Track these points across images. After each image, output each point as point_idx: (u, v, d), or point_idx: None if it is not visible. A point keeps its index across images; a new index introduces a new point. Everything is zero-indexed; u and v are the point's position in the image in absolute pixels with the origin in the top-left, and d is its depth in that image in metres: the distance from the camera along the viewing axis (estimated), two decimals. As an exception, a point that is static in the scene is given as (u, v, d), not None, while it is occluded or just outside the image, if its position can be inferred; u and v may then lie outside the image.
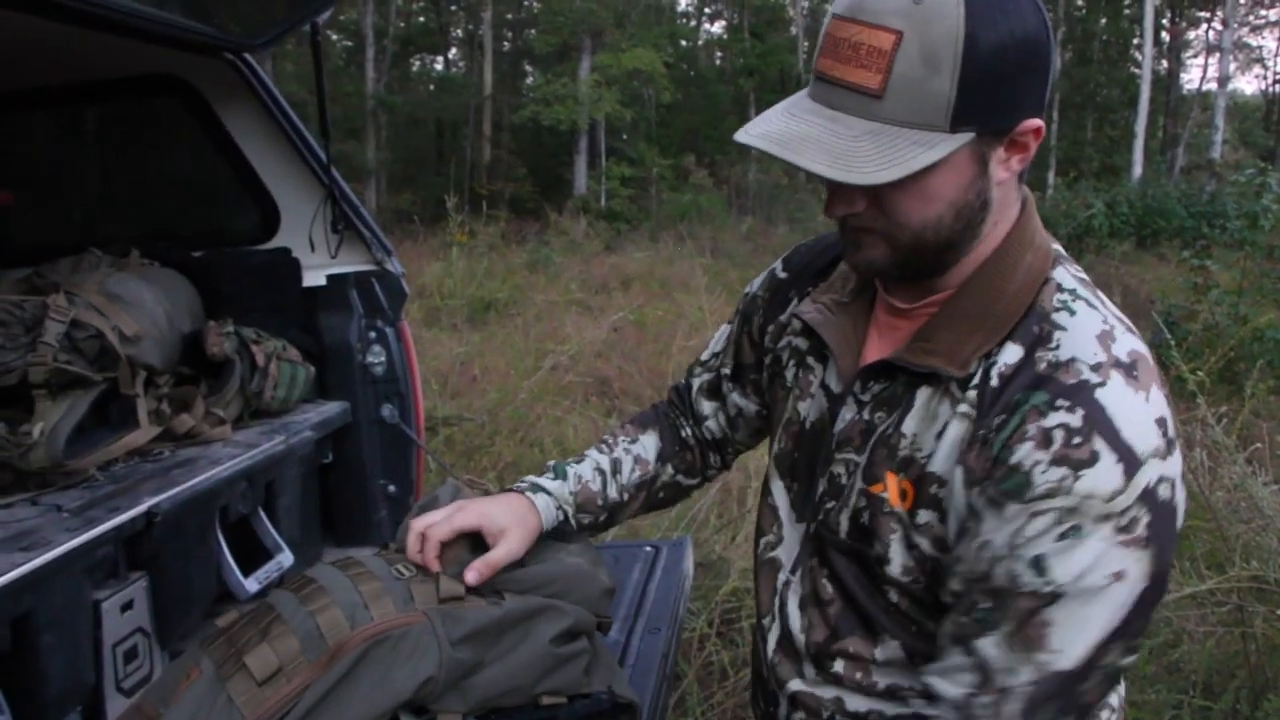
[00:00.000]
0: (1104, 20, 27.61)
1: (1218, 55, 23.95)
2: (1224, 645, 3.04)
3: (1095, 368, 0.93)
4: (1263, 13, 32.83)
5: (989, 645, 0.96)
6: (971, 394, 0.99)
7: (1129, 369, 0.94)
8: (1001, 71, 0.91)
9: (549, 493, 1.36)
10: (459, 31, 31.00)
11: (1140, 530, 0.91)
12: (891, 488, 1.04)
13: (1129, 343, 0.96)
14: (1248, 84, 59.28)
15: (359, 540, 2.70)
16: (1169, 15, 29.64)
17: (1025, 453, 0.92)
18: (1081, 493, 0.90)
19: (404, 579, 1.28)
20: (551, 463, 1.42)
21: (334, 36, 28.39)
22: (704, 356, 1.47)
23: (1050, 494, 0.91)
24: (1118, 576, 0.91)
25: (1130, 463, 0.90)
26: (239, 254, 2.77)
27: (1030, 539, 0.92)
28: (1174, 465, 0.93)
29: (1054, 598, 0.92)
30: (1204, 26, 32.01)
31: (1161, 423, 0.93)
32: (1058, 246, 1.07)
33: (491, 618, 1.27)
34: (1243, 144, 27.41)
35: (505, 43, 30.54)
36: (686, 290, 10.27)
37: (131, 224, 2.93)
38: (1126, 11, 27.28)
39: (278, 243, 2.79)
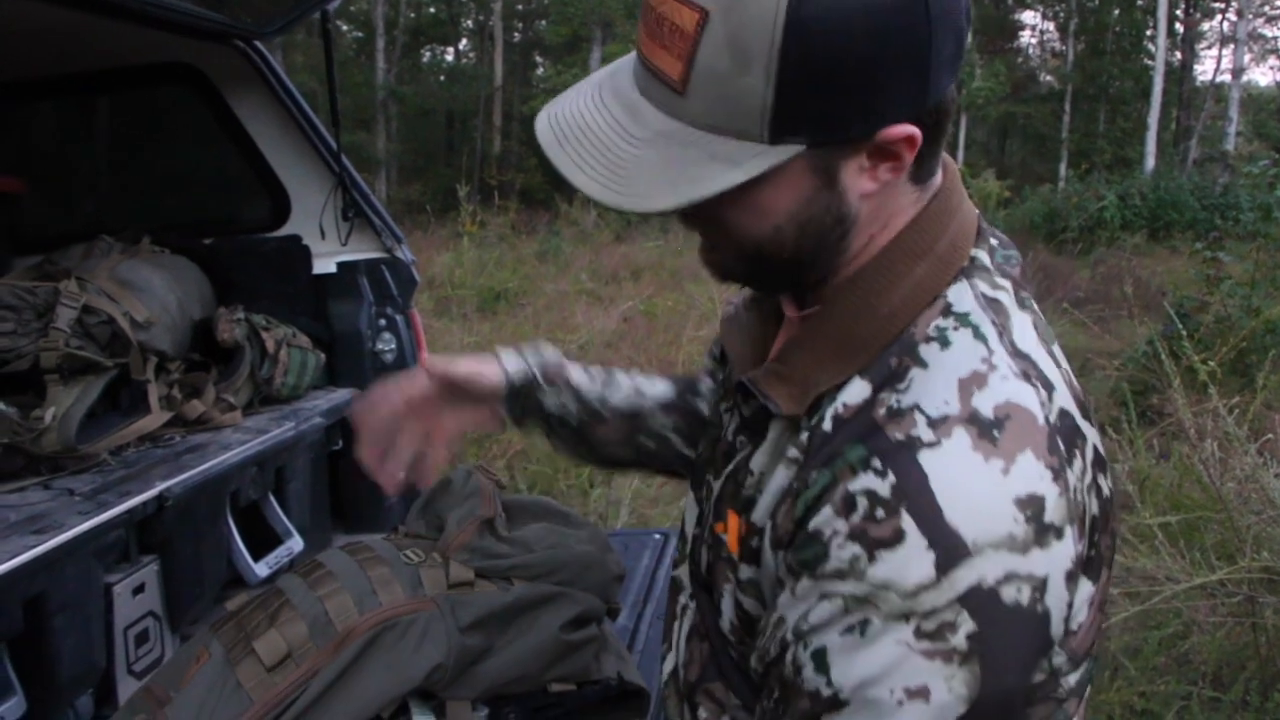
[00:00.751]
0: (1117, 11, 27.45)
1: (1232, 46, 23.81)
2: (1234, 636, 3.03)
3: (936, 423, 0.72)
4: (1278, 3, 32.63)
5: None
6: (803, 437, 0.80)
7: (986, 427, 0.72)
8: (842, 68, 0.70)
9: (519, 352, 1.21)
10: (469, 22, 30.96)
11: (955, 640, 0.69)
12: (731, 530, 0.87)
13: (1005, 391, 0.75)
14: (1262, 75, 58.90)
15: (369, 527, 2.70)
16: (1183, 6, 29.46)
17: (825, 519, 0.73)
18: (875, 580, 0.70)
19: (413, 564, 1.29)
20: None
21: (344, 27, 28.39)
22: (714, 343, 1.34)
23: (840, 574, 0.71)
24: (914, 694, 0.70)
25: (948, 552, 0.69)
26: (250, 241, 2.79)
27: (815, 627, 0.73)
28: (1045, 559, 0.71)
29: (834, 704, 0.73)
30: (1218, 17, 31.78)
31: (1026, 504, 0.71)
32: (983, 255, 0.84)
33: (501, 603, 1.28)
34: (1257, 136, 27.26)
35: (516, 34, 30.53)
36: (697, 280, 10.24)
37: (143, 211, 2.94)
38: (1140, 2, 27.14)
39: (288, 230, 2.80)
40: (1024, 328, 0.82)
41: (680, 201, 0.73)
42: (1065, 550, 0.73)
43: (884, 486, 0.71)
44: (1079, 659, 0.79)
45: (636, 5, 24.34)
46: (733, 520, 0.88)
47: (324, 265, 2.75)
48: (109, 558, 1.80)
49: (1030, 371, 0.77)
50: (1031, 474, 0.72)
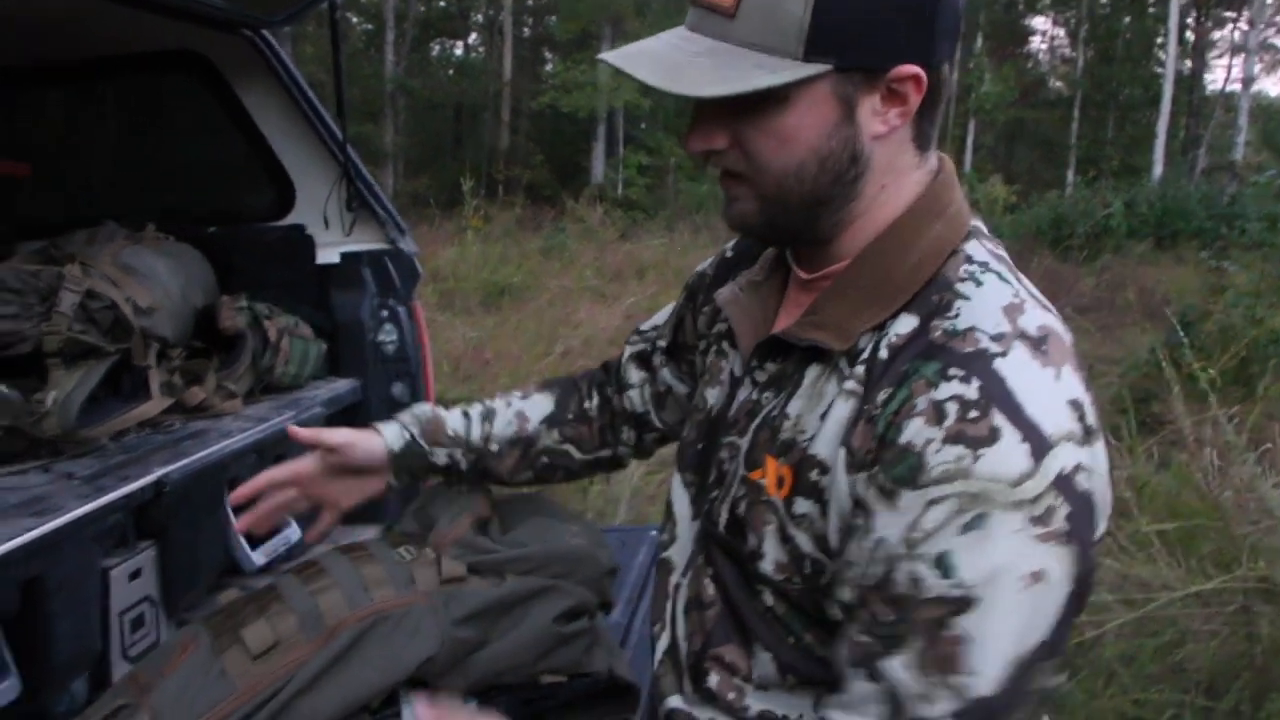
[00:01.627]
0: (1128, 19, 27.46)
1: (1243, 56, 23.78)
2: (1229, 646, 3.04)
3: (996, 338, 0.83)
4: (1289, 14, 32.55)
5: (898, 668, 0.82)
6: (859, 369, 0.88)
7: (1036, 342, 0.83)
8: (865, 4, 0.83)
9: (393, 419, 1.36)
10: (479, 16, 30.95)
11: (1059, 522, 0.78)
12: (770, 474, 0.93)
13: (1040, 317, 0.86)
14: (1272, 86, 58.86)
15: (366, 518, 2.70)
16: (1194, 15, 29.42)
17: (915, 430, 0.80)
18: (983, 475, 0.78)
19: (406, 562, 1.29)
20: None
21: (354, 19, 28.40)
22: (644, 326, 1.39)
23: (947, 478, 0.78)
24: (1037, 577, 0.78)
25: (1038, 443, 0.78)
26: (254, 230, 2.79)
27: (930, 533, 0.79)
28: (1094, 456, 0.81)
29: (965, 604, 0.79)
30: (1229, 27, 31.75)
31: (1076, 405, 0.82)
32: (979, 223, 0.97)
33: (494, 597, 1.28)
34: (1265, 146, 27.21)
35: (525, 29, 30.53)
36: (701, 280, 10.23)
37: (148, 199, 2.94)
38: (1151, 10, 27.11)
39: (293, 220, 2.80)
40: (1025, 279, 0.93)
41: (728, 90, 0.83)
42: (1102, 450, 0.83)
43: (971, 390, 0.80)
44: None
45: (645, 3, 24.35)
46: (770, 465, 0.94)
47: (327, 255, 2.75)
48: (107, 542, 1.81)
49: (1049, 307, 0.89)
50: (1073, 382, 0.83)
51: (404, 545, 1.33)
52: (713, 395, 1.09)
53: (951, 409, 0.80)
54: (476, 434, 1.35)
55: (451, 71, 30.86)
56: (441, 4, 30.33)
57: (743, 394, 1.02)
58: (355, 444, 1.33)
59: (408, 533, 1.38)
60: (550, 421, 1.37)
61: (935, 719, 0.81)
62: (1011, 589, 0.78)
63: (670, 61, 0.87)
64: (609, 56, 0.90)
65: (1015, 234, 14.65)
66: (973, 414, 0.79)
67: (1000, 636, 0.79)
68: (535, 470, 1.39)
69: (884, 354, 0.87)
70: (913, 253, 0.91)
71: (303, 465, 1.34)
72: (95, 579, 1.77)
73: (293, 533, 2.30)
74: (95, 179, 3.01)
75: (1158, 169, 21.52)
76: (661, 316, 1.36)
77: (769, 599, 0.95)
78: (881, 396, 0.84)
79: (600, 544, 1.43)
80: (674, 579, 1.09)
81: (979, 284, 0.88)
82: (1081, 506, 0.80)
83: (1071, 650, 3.11)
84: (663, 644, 1.10)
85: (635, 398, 1.36)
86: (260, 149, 2.77)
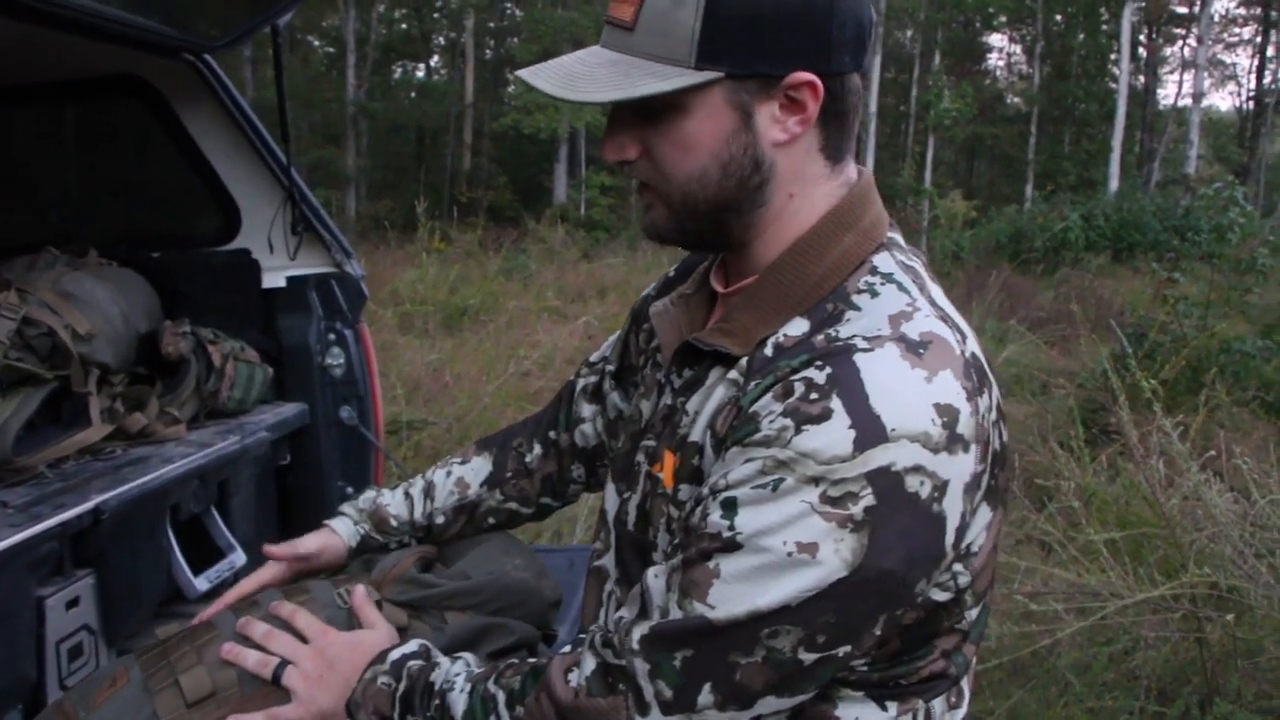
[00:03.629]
0: (1082, 35, 27.83)
1: (1193, 72, 24.20)
2: (1179, 652, 3.07)
3: (870, 338, 0.85)
4: (1236, 31, 33.23)
5: (653, 576, 0.90)
6: (742, 363, 0.93)
7: (913, 345, 0.85)
8: (755, 13, 0.87)
9: (345, 514, 1.40)
10: (441, 39, 30.97)
11: (854, 509, 0.80)
12: (666, 466, 0.99)
13: (928, 324, 0.88)
14: (1222, 100, 59.98)
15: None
16: (1146, 31, 29.94)
17: (763, 403, 0.85)
18: (797, 448, 0.81)
19: (346, 607, 1.28)
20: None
21: (315, 42, 28.38)
22: (593, 359, 1.41)
23: (766, 442, 0.83)
24: (805, 549, 0.81)
25: (867, 433, 0.80)
26: (199, 255, 2.78)
27: (732, 483, 0.84)
28: (951, 465, 0.82)
29: (730, 546, 0.83)
30: (1180, 43, 32.35)
31: (944, 411, 0.82)
32: (896, 235, 1.00)
33: (436, 645, 1.27)
34: (1217, 159, 27.72)
35: (487, 51, 30.55)
36: (661, 299, 10.25)
37: (91, 224, 2.92)
38: (1104, 27, 27.51)
39: (238, 244, 2.79)
40: (938, 291, 0.96)
41: (617, 96, 0.89)
42: (968, 464, 0.84)
43: (820, 376, 0.83)
44: (979, 593, 0.91)
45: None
46: (668, 458, 0.99)
47: (273, 279, 2.74)
48: (41, 571, 1.78)
49: (946, 319, 0.90)
50: (950, 388, 0.84)
51: (345, 585, 1.32)
52: (645, 406, 1.12)
53: (798, 388, 0.83)
54: (420, 513, 1.39)
55: (413, 94, 30.80)
56: (403, 27, 30.31)
57: (664, 400, 1.05)
58: (322, 553, 1.37)
59: (352, 574, 1.38)
60: (491, 483, 1.40)
61: (660, 628, 0.87)
62: (775, 548, 0.82)
63: (571, 73, 0.92)
64: (522, 72, 0.95)
65: (975, 248, 14.81)
66: (813, 395, 0.82)
67: (746, 582, 0.83)
68: (480, 531, 1.43)
69: (768, 351, 0.91)
70: (821, 264, 0.94)
71: (271, 575, 1.36)
72: (30, 608, 1.74)
73: (237, 558, 2.28)
74: (38, 204, 2.99)
75: (1113, 183, 21.83)
76: (609, 346, 1.39)
77: None
78: (753, 384, 0.89)
79: (543, 575, 1.43)
80: (608, 586, 1.12)
81: (875, 295, 0.91)
82: (897, 506, 0.81)
83: (1026, 659, 3.13)
84: None
85: (588, 431, 1.38)
86: (205, 173, 2.76)
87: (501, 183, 25.05)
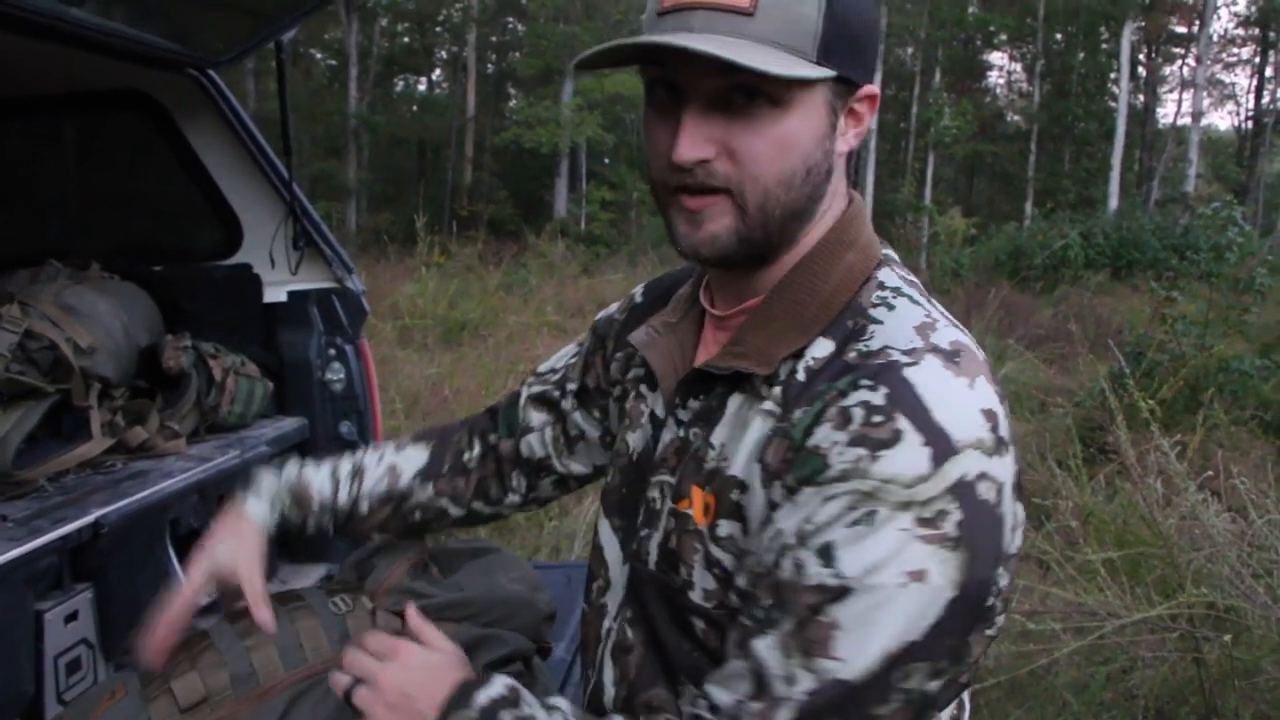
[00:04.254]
0: (1082, 54, 27.92)
1: (1192, 91, 24.29)
2: (1177, 671, 3.07)
3: (907, 351, 0.85)
4: (1235, 51, 33.33)
5: (764, 647, 0.83)
6: (776, 391, 0.90)
7: (949, 355, 0.85)
8: (861, 19, 0.88)
9: (260, 493, 1.31)
10: (443, 53, 31.06)
11: (947, 527, 0.79)
12: (696, 503, 0.94)
13: (952, 334, 0.88)
14: (1221, 120, 60.17)
15: (313, 557, 2.70)
16: (1145, 51, 30.04)
17: (823, 435, 0.83)
18: (879, 476, 0.79)
19: (341, 614, 1.28)
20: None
21: (318, 55, 28.44)
22: (542, 369, 1.35)
23: (844, 476, 0.81)
24: (915, 576, 0.79)
25: (940, 447, 0.80)
26: (200, 269, 2.79)
27: (820, 526, 0.81)
28: (1003, 467, 0.83)
29: (841, 593, 0.80)
30: (1179, 63, 32.44)
31: (989, 415, 0.83)
32: (890, 251, 1.00)
33: None
34: (1216, 178, 27.76)
35: (489, 65, 30.63)
36: (660, 314, 10.25)
37: (94, 238, 2.93)
38: (1104, 46, 27.61)
39: (239, 258, 2.80)
40: (936, 303, 0.96)
41: (792, 73, 0.83)
42: (1012, 464, 0.84)
43: (877, 396, 0.82)
44: (1010, 596, 0.88)
45: (608, 40, 24.52)
46: (696, 494, 0.95)
47: (274, 294, 2.76)
48: (40, 585, 1.79)
49: (962, 328, 0.91)
50: (987, 393, 0.85)
51: (340, 595, 1.32)
52: (634, 440, 1.09)
53: (857, 414, 0.82)
54: (344, 497, 1.31)
55: (415, 107, 30.90)
56: (405, 40, 30.40)
57: (668, 434, 1.02)
58: (257, 569, 1.26)
59: (345, 581, 1.38)
60: (424, 475, 1.33)
61: (792, 698, 0.81)
62: (889, 585, 0.79)
63: (719, 44, 0.82)
64: (654, 36, 0.86)
65: (975, 265, 14.83)
66: (876, 418, 0.81)
67: (871, 628, 0.80)
68: (407, 525, 1.35)
69: (801, 376, 0.89)
70: (827, 282, 0.94)
71: (192, 593, 1.26)
72: (28, 622, 1.75)
73: (236, 573, 2.28)
74: (41, 217, 3.00)
75: (1113, 201, 21.90)
76: (562, 360, 1.33)
77: (700, 632, 0.95)
78: (797, 415, 0.86)
79: (537, 589, 1.43)
80: (606, 624, 1.09)
81: (891, 308, 0.91)
82: (979, 515, 0.81)
83: (1024, 679, 3.13)
84: (591, 689, 1.10)
85: (535, 442, 1.31)
86: (207, 188, 2.77)
87: (502, 197, 25.11)
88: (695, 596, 0.94)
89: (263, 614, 1.21)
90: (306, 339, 2.73)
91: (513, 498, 1.35)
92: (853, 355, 0.87)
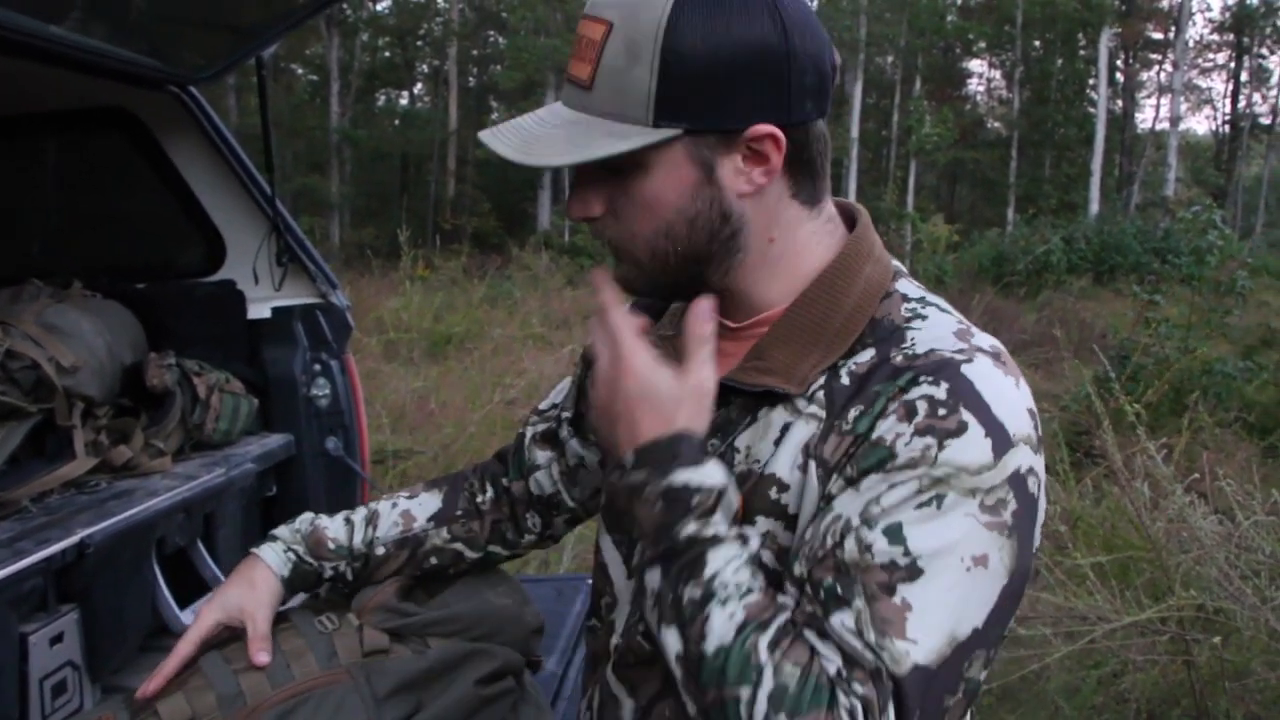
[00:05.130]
0: (1060, 60, 28.14)
1: (1169, 96, 24.48)
2: (1168, 674, 3.07)
3: (958, 350, 0.87)
4: (1211, 56, 33.65)
5: (838, 623, 0.82)
6: (819, 395, 0.91)
7: (995, 355, 0.88)
8: (712, 68, 0.86)
9: (275, 538, 1.30)
10: (424, 67, 31.09)
11: (1006, 515, 0.83)
12: None
13: (988, 339, 0.91)
14: (1199, 124, 60.80)
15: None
16: (1123, 57, 30.29)
17: (887, 427, 0.84)
18: (948, 462, 0.82)
19: (327, 633, 1.27)
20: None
21: (299, 70, 28.43)
22: (542, 406, 1.35)
23: (913, 463, 0.83)
24: (979, 561, 0.82)
25: (1000, 440, 0.83)
26: (183, 286, 2.77)
27: (887, 508, 0.83)
28: (1041, 464, 0.87)
29: (911, 572, 0.81)
30: (1156, 68, 32.71)
31: (1032, 414, 0.87)
32: (898, 264, 1.01)
33: (419, 668, 1.26)
34: (1195, 182, 27.93)
35: (470, 78, 30.68)
36: (647, 324, 10.26)
37: (75, 256, 2.91)
38: (1082, 53, 27.82)
39: (223, 275, 2.78)
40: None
41: (574, 159, 0.88)
42: (1043, 460, 0.88)
43: (940, 391, 0.84)
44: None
45: (590, 52, 24.58)
46: None
47: (258, 310, 2.73)
48: (24, 607, 1.76)
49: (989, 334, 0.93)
50: (1028, 394, 0.89)
51: (326, 613, 1.31)
52: None
53: (922, 406, 0.84)
54: (359, 540, 1.30)
55: (397, 121, 30.93)
56: (386, 55, 30.42)
57: None
58: (267, 613, 1.25)
59: (331, 600, 1.37)
60: (439, 519, 1.33)
61: (876, 677, 0.80)
62: (956, 567, 0.82)
63: (530, 135, 0.91)
64: (483, 134, 0.94)
65: (958, 272, 14.89)
66: (942, 411, 0.83)
67: (941, 610, 0.81)
68: (423, 571, 1.35)
69: (845, 380, 0.91)
70: (849, 295, 0.95)
71: (206, 630, 1.24)
72: (12, 645, 1.72)
73: (223, 591, 2.26)
74: (22, 235, 2.98)
75: (1094, 206, 22.07)
76: (559, 394, 1.34)
77: None
78: (854, 413, 0.88)
79: (525, 602, 1.42)
80: (614, 640, 1.08)
81: (923, 317, 0.93)
82: (1028, 507, 0.85)
83: (1015, 684, 3.13)
84: (600, 708, 1.09)
85: (543, 479, 1.31)
86: (189, 204, 2.76)
87: (485, 209, 25.12)
88: None
89: (261, 656, 1.20)
90: (291, 355, 2.71)
91: (529, 538, 1.36)
92: (900, 359, 0.88)
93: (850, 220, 1.02)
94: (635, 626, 1.03)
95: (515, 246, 18.01)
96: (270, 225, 2.70)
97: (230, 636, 1.27)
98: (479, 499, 1.35)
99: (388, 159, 28.56)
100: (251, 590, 1.25)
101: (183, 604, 2.14)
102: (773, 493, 0.91)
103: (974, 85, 34.42)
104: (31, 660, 1.76)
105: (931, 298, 0.96)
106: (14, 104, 2.71)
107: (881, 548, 0.82)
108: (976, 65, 33.56)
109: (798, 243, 0.97)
